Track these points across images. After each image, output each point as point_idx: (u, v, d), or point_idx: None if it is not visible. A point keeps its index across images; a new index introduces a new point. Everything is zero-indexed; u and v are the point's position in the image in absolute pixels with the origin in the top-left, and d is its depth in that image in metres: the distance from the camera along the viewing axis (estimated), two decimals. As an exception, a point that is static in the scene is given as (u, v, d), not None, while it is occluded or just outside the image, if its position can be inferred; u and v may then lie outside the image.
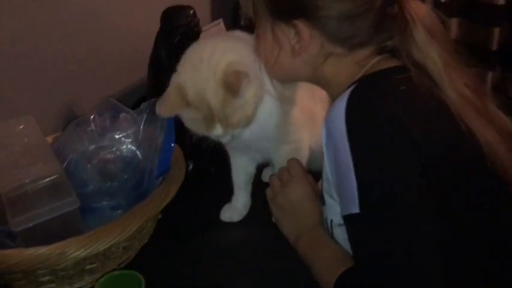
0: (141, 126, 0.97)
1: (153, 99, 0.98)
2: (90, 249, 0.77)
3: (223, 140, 0.89)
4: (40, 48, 1.08)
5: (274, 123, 0.91)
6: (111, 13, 1.22)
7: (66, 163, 0.96)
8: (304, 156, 0.97)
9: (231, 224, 1.01)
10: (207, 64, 0.82)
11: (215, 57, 0.82)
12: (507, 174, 0.71)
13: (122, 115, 0.99)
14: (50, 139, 1.01)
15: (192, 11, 1.10)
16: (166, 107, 0.83)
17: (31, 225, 0.78)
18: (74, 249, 0.76)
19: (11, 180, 0.79)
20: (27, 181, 0.79)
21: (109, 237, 0.79)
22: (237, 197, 1.02)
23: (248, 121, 0.86)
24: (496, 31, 1.92)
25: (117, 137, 0.98)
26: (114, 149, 0.99)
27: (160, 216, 0.98)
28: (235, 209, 1.02)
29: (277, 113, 0.90)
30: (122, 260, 0.88)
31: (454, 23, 2.11)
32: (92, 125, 0.97)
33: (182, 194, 0.93)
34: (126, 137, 0.98)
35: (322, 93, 0.93)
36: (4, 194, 0.78)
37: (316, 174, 1.01)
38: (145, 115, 0.98)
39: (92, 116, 0.97)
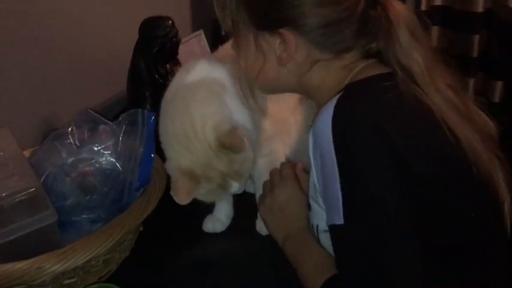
0: (120, 138, 0.96)
1: (131, 110, 0.98)
2: (68, 264, 0.75)
3: (239, 191, 0.90)
4: (18, 60, 1.07)
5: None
6: (89, 25, 1.22)
7: (44, 177, 0.94)
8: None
9: (214, 235, 1.00)
10: (197, 140, 0.84)
11: (198, 128, 0.83)
12: (490, 178, 0.72)
13: (101, 127, 0.98)
14: (27, 153, 1.00)
15: (170, 22, 1.10)
16: (183, 194, 0.83)
17: (8, 240, 0.77)
18: (51, 264, 0.74)
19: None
20: (3, 195, 0.77)
21: (88, 250, 0.77)
22: (219, 208, 1.01)
23: (253, 162, 0.89)
24: (476, 38, 1.95)
25: (96, 149, 0.97)
26: (93, 161, 0.97)
27: (141, 229, 0.97)
28: (218, 220, 1.00)
29: (252, 128, 0.90)
30: (102, 274, 0.87)
31: (434, 31, 2.14)
32: (70, 137, 0.96)
33: (164, 205, 0.92)
34: (105, 149, 0.97)
35: (291, 101, 0.93)
36: (-22, 208, 0.77)
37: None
38: (124, 126, 0.97)
39: (69, 129, 0.96)
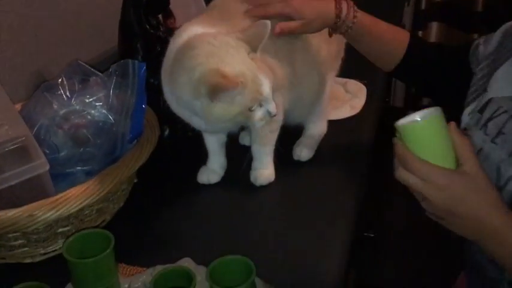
0: (111, 89, 0.95)
1: (122, 61, 0.97)
2: (61, 212, 0.75)
3: (274, 111, 0.85)
4: (7, 13, 1.04)
5: None
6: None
7: (36, 129, 0.93)
8: (280, 121, 0.97)
9: (208, 186, 1.01)
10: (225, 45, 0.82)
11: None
12: None
13: (92, 78, 0.97)
14: (18, 106, 0.99)
15: (160, -29, 1.07)
16: (229, 82, 0.78)
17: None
18: (43, 212, 0.74)
19: (-25, 144, 0.77)
20: (-8, 144, 0.77)
21: (80, 198, 0.77)
22: (212, 160, 1.01)
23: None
24: (475, 37, 1.92)
25: (87, 101, 0.96)
26: (85, 113, 0.97)
27: (136, 180, 0.97)
28: (212, 171, 1.01)
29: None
30: (96, 223, 0.87)
31: (434, 28, 2.11)
32: (61, 88, 0.95)
33: (158, 159, 0.92)
34: (96, 100, 0.96)
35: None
36: (-31, 158, 0.76)
37: (290, 128, 1.03)
38: (114, 78, 0.96)
39: (60, 80, 0.95)
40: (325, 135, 1.11)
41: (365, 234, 1.45)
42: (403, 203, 1.92)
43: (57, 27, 1.16)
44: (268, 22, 0.83)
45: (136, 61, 0.94)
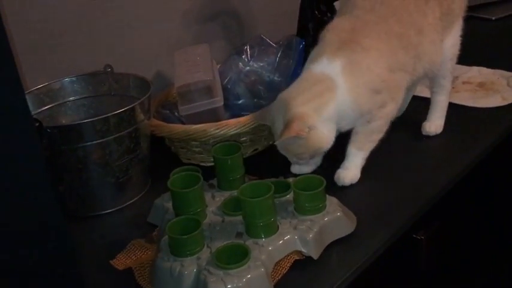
0: (278, 57, 1.29)
1: (288, 36, 1.29)
2: (223, 132, 1.12)
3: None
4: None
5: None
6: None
7: (226, 80, 1.32)
8: (384, 131, 1.08)
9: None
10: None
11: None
12: None
13: (267, 48, 1.32)
14: (219, 65, 1.40)
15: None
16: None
17: (191, 112, 1.17)
18: (212, 130, 1.12)
19: (182, 80, 1.18)
20: (191, 82, 1.17)
21: (236, 126, 1.12)
22: None
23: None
24: None
25: (262, 64, 1.32)
26: (260, 72, 1.33)
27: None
28: (306, 164, 1.11)
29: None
30: (249, 150, 1.22)
31: None
32: (245, 54, 1.33)
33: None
34: (269, 64, 1.31)
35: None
36: (176, 89, 1.18)
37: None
38: (282, 48, 1.29)
39: (245, 47, 1.32)
40: (461, 120, 1.23)
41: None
42: None
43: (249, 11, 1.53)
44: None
45: (297, 37, 1.26)
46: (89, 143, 1.01)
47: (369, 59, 1.03)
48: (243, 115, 1.25)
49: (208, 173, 1.05)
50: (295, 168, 1.12)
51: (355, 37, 1.04)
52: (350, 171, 1.08)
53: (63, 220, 0.62)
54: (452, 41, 1.18)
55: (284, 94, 1.05)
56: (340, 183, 1.07)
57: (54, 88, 1.17)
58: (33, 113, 1.12)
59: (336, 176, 1.08)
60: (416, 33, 1.08)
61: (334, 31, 1.08)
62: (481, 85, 1.38)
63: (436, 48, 1.13)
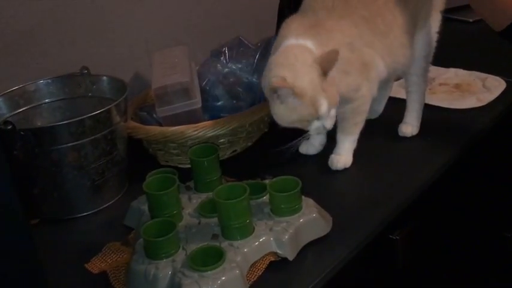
0: (256, 59, 1.29)
1: (266, 38, 1.30)
2: (201, 133, 1.12)
3: (329, 125, 1.02)
4: None
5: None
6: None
7: (205, 82, 1.32)
8: (366, 111, 1.11)
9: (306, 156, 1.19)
10: (302, 61, 0.99)
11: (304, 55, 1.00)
12: None
13: (245, 50, 1.32)
14: (198, 66, 1.40)
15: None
16: (283, 83, 0.97)
17: (168, 114, 1.17)
18: (190, 131, 1.12)
19: (159, 82, 1.18)
20: (168, 84, 1.17)
21: (215, 127, 1.13)
22: (315, 137, 1.17)
23: (339, 98, 1.02)
24: None
25: (240, 65, 1.32)
26: (238, 74, 1.33)
27: (266, 130, 1.29)
28: (312, 145, 1.19)
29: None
30: (228, 152, 1.22)
31: None
32: (223, 55, 1.33)
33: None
34: (247, 65, 1.31)
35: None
36: (153, 90, 1.18)
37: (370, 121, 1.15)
38: (260, 50, 1.29)
39: (223, 49, 1.32)
40: (437, 121, 1.24)
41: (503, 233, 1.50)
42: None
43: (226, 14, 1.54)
44: (338, 51, 0.98)
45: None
46: (63, 146, 1.00)
47: (333, 41, 1.03)
48: (222, 116, 1.26)
49: (186, 175, 1.05)
50: (302, 148, 1.18)
51: (319, 21, 1.05)
52: (342, 156, 1.12)
53: (26, 221, 0.62)
54: (427, 39, 1.19)
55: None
56: (333, 168, 1.12)
57: (29, 90, 1.16)
58: (7, 115, 1.12)
59: (329, 161, 1.13)
60: (385, 25, 1.08)
61: (297, 20, 1.08)
62: (457, 86, 1.41)
63: (405, 50, 1.13)
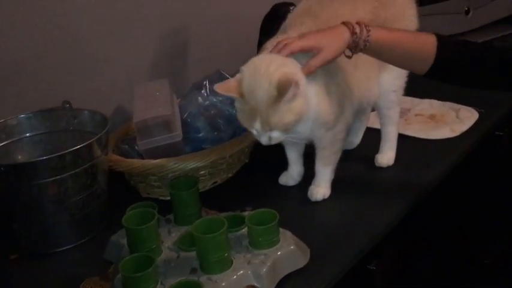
0: (237, 91, 1.32)
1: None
2: (182, 166, 1.13)
3: (263, 141, 1.04)
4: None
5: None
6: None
7: (186, 114, 1.34)
8: (342, 139, 1.14)
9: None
10: (266, 71, 0.99)
11: (273, 66, 1.00)
12: None
13: (225, 82, 1.35)
14: (179, 99, 1.42)
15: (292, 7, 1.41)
16: (223, 86, 1.03)
17: (149, 147, 1.18)
18: (171, 164, 1.13)
19: (140, 115, 1.20)
20: (148, 117, 1.18)
21: (195, 160, 1.14)
22: (293, 168, 1.22)
23: (284, 128, 1.01)
24: None
25: (220, 98, 1.34)
26: (219, 106, 1.35)
27: (247, 160, 1.31)
28: (291, 176, 1.22)
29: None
30: (209, 184, 1.23)
31: None
32: (204, 88, 1.35)
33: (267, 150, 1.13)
34: (226, 98, 1.33)
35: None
36: (134, 124, 1.19)
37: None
38: (240, 83, 1.32)
39: (204, 82, 1.35)
40: (413, 151, 1.28)
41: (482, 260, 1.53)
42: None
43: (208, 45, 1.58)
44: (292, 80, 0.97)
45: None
46: (44, 181, 1.01)
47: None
48: (203, 148, 1.28)
49: (167, 207, 1.06)
50: (281, 179, 1.22)
51: None
52: (321, 188, 1.15)
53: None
54: (396, 74, 1.21)
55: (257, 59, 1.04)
56: (313, 199, 1.15)
57: (11, 124, 1.17)
58: (-12, 149, 1.12)
59: (309, 193, 1.16)
60: (354, 58, 1.08)
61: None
62: (432, 117, 1.44)
63: (371, 84, 1.17)
